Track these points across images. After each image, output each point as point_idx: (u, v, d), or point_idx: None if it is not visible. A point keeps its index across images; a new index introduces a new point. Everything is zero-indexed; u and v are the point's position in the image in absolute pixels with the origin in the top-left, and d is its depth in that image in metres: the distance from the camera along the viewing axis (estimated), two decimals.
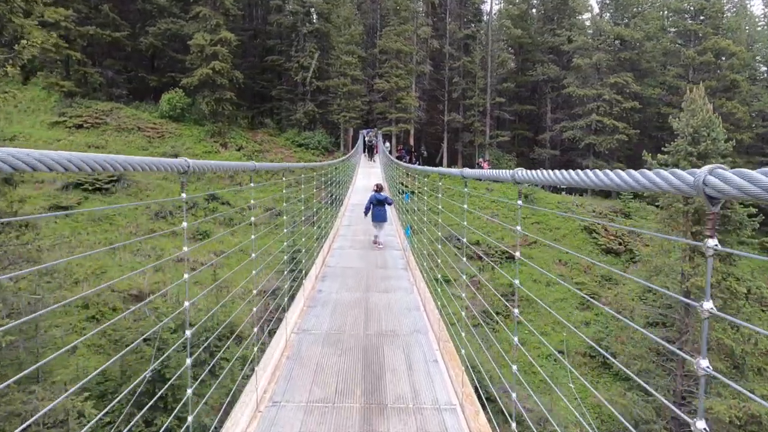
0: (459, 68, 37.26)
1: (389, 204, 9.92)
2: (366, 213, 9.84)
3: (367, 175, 22.75)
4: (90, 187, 20.17)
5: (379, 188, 10.14)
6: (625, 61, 31.55)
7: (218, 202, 21.80)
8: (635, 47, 31.96)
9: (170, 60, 30.77)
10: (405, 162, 25.31)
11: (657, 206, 22.18)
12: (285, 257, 9.42)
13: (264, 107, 34.94)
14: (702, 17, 31.25)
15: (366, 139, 30.72)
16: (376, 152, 30.69)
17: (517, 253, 2.75)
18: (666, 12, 38.08)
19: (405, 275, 7.18)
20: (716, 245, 1.07)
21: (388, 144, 31.43)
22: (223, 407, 3.99)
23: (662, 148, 13.94)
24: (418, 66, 34.67)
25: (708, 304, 1.10)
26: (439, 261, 5.58)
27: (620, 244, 24.48)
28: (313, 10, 31.79)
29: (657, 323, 12.62)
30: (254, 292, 4.17)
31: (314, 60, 30.29)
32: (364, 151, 30.51)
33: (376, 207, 9.64)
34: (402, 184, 19.92)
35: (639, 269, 18.34)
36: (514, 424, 2.71)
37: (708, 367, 1.12)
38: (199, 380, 3.83)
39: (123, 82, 30.61)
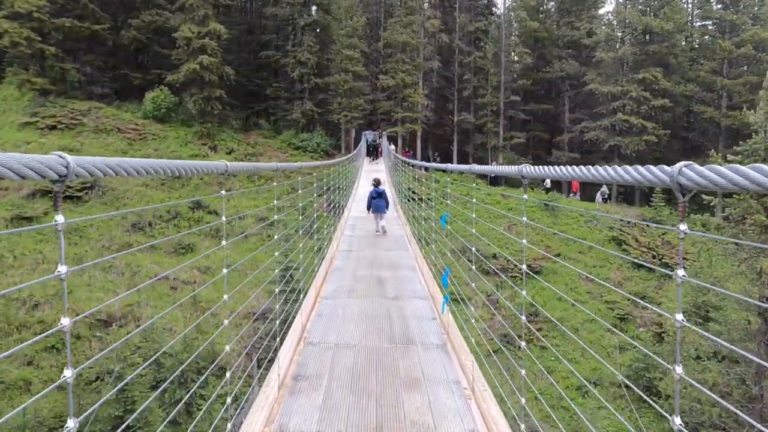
0: (470, 64, 35.78)
1: (387, 202, 11.34)
2: (369, 208, 11.25)
3: (371, 181, 21.08)
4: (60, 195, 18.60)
5: (377, 182, 11.83)
6: (653, 55, 29.92)
7: (204, 211, 20.24)
8: (664, 40, 30.34)
9: (156, 55, 29.41)
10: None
11: (694, 214, 20.46)
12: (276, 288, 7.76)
13: (258, 107, 33.50)
14: (738, 6, 29.64)
15: (369, 139, 29.15)
16: (380, 155, 29.13)
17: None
18: (693, 3, 36.51)
19: (447, 366, 3.95)
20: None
21: (393, 146, 29.88)
22: None
23: (735, 147, 12.21)
24: (425, 62, 33.17)
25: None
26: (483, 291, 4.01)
27: (654, 256, 22.74)
28: (311, 0, 30.37)
29: (724, 357, 10.89)
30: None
31: (312, 55, 28.82)
32: (368, 154, 28.95)
33: (376, 199, 11.07)
34: (410, 190, 18.29)
35: (684, 288, 16.60)
36: None
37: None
38: None
39: (108, 81, 29.26)
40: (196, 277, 17.88)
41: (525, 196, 3.04)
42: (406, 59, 30.54)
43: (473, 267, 5.12)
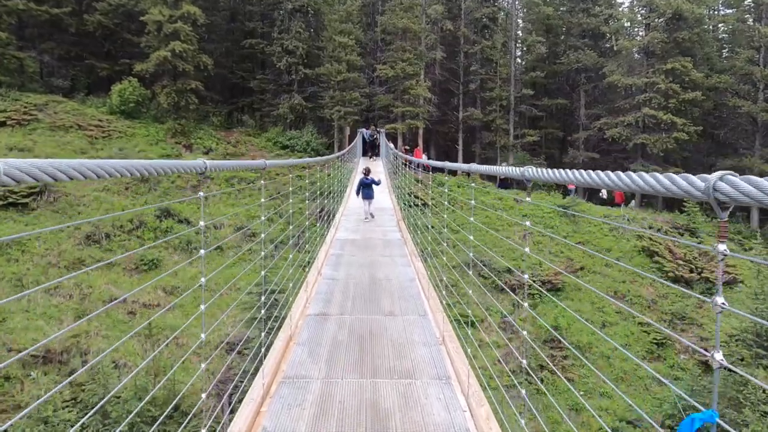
0: (476, 55, 33.99)
1: (377, 184, 13.01)
2: (357, 194, 12.74)
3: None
4: (2, 202, 16.63)
5: (367, 172, 13.06)
6: (681, 43, 28.04)
7: (174, 220, 18.26)
8: (694, 26, 28.46)
9: (125, 43, 27.50)
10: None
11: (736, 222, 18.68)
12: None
13: (242, 102, 31.63)
14: None
15: (367, 134, 27.18)
16: (378, 153, 27.17)
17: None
18: None
19: None
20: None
21: (392, 145, 27.96)
22: None
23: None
24: (428, 51, 31.25)
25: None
26: None
27: (692, 270, 20.83)
28: None
29: None
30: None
31: (301, 42, 26.86)
32: (365, 154, 26.99)
33: (365, 188, 12.49)
34: (410, 194, 16.33)
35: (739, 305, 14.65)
36: None
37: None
38: None
39: (75, 72, 27.31)
40: (160, 297, 15.90)
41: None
42: (407, 47, 28.60)
43: (494, 278, 3.23)
